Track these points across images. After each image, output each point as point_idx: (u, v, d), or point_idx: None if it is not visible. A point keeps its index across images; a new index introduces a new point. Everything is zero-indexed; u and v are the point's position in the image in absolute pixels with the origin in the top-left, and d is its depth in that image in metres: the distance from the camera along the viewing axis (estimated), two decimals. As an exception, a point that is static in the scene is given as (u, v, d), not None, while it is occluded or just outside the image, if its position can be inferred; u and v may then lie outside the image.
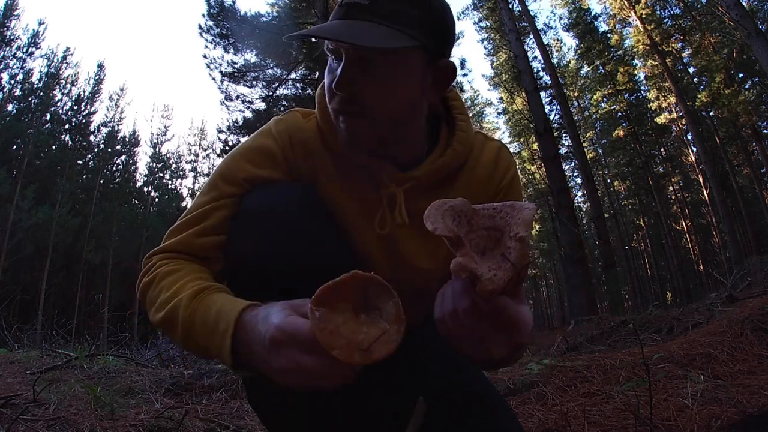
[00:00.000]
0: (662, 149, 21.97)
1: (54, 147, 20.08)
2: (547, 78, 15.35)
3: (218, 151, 12.05)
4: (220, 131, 10.82)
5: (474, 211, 0.49)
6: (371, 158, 0.74)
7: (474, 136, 0.81)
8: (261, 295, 0.64)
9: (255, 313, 0.58)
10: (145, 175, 25.47)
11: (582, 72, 22.82)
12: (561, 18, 23.85)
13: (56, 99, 21.09)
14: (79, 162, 21.33)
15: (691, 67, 18.41)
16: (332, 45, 0.67)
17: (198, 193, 0.79)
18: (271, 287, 0.65)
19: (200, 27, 9.93)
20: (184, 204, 26.70)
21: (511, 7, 11.27)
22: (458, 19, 19.41)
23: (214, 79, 10.35)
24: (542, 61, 13.80)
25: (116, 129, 23.67)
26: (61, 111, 21.26)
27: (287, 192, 0.73)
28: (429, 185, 0.76)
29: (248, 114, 10.50)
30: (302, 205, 0.71)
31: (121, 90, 25.38)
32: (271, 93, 10.64)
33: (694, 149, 19.68)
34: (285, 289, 0.65)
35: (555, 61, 20.57)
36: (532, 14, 13.40)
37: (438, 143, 0.79)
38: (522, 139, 22.88)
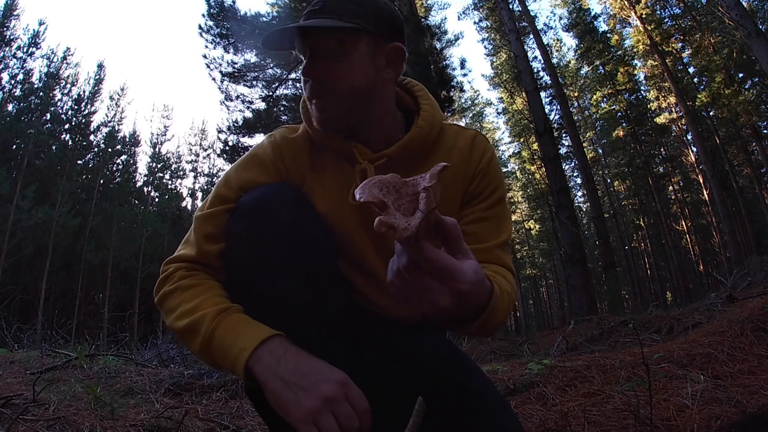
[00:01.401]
0: (662, 149, 21.96)
1: (54, 147, 20.03)
2: (547, 78, 15.37)
3: (218, 151, 12.01)
4: (220, 131, 10.77)
5: (404, 183, 0.53)
6: (348, 141, 0.82)
7: (442, 119, 0.88)
8: (249, 289, 0.73)
9: (286, 346, 0.68)
10: (145, 175, 25.45)
11: (582, 72, 22.84)
12: (561, 18, 23.84)
13: (56, 99, 21.06)
14: (79, 162, 21.26)
15: (691, 67, 18.40)
16: (300, 46, 0.81)
17: (204, 202, 0.85)
18: (258, 276, 0.72)
19: (200, 27, 9.92)
20: (184, 204, 26.74)
21: (511, 7, 11.27)
22: (458, 19, 19.44)
23: (214, 79, 10.34)
24: (542, 61, 13.79)
25: (116, 129, 23.61)
26: (61, 111, 21.22)
27: (272, 190, 0.79)
28: (400, 163, 0.82)
29: (248, 114, 10.47)
30: (285, 201, 0.77)
31: (122, 90, 25.18)
32: (271, 93, 10.62)
33: (694, 149, 19.69)
34: (270, 278, 0.71)
35: (555, 61, 20.61)
36: (532, 14, 13.40)
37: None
38: (522, 139, 22.90)
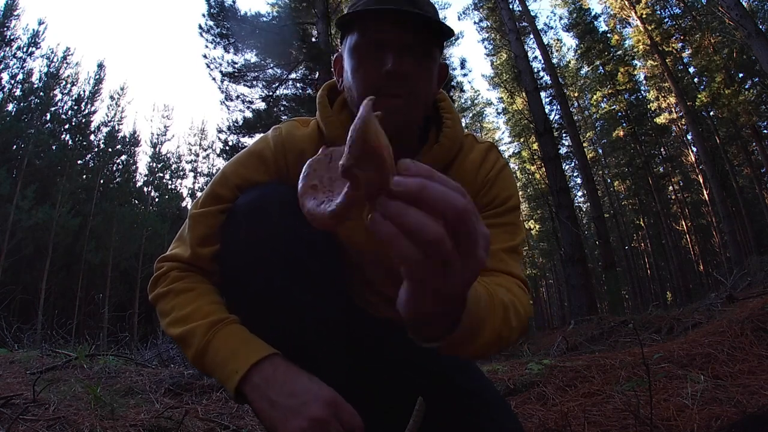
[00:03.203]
0: (662, 149, 21.96)
1: (54, 147, 20.01)
2: (547, 78, 15.35)
3: (218, 151, 12.01)
4: (220, 131, 10.77)
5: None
6: None
7: (463, 135, 0.85)
8: (246, 289, 0.72)
9: (276, 366, 0.66)
10: (145, 175, 25.43)
11: (582, 72, 22.80)
12: (561, 18, 23.79)
13: (56, 99, 21.04)
14: (79, 162, 21.25)
15: (691, 67, 18.39)
16: (377, 33, 0.72)
17: (199, 198, 0.82)
18: (256, 276, 0.70)
19: (200, 27, 9.91)
20: (184, 204, 26.71)
21: (511, 7, 11.27)
22: (458, 19, 19.42)
23: (214, 79, 10.34)
24: (542, 61, 13.78)
25: (116, 129, 23.58)
26: (61, 111, 21.20)
27: (270, 191, 0.76)
28: None
29: (248, 114, 10.47)
30: (283, 202, 0.74)
31: (122, 89, 25.08)
32: (271, 93, 10.62)
33: (694, 149, 19.68)
34: (268, 277, 0.70)
35: (555, 61, 20.57)
36: (532, 14, 13.39)
37: (427, 142, 0.82)
38: (522, 139, 22.85)
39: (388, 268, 0.84)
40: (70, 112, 21.57)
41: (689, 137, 19.92)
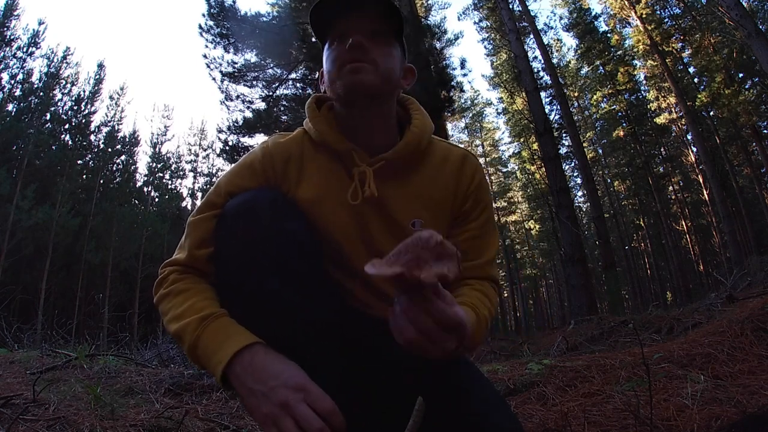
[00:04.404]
0: (662, 149, 21.95)
1: (54, 147, 19.99)
2: (547, 78, 15.36)
3: (218, 151, 12.01)
4: (220, 131, 10.74)
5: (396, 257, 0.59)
6: (348, 143, 0.85)
7: (431, 125, 0.92)
8: (238, 291, 0.75)
9: (254, 353, 0.70)
10: (145, 175, 25.39)
11: (582, 72, 22.83)
12: (561, 18, 23.79)
13: (56, 99, 21.00)
14: (79, 162, 21.22)
15: (691, 67, 18.39)
16: (340, 26, 0.84)
17: (196, 208, 0.88)
18: (246, 278, 0.74)
19: (200, 27, 9.89)
20: (184, 204, 26.72)
21: (511, 7, 11.27)
22: (458, 19, 19.47)
23: (214, 79, 10.32)
24: (542, 61, 13.79)
25: (116, 129, 23.51)
26: (61, 111, 21.16)
27: (257, 194, 0.81)
28: (396, 168, 0.86)
29: (248, 114, 10.45)
30: (271, 204, 0.79)
31: (122, 89, 25.01)
32: (271, 93, 10.61)
33: (694, 149, 19.68)
34: (258, 280, 0.73)
35: (555, 61, 20.58)
36: (532, 14, 13.40)
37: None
38: (522, 139, 22.85)
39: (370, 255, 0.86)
40: (70, 112, 21.55)
41: (689, 137, 19.94)
